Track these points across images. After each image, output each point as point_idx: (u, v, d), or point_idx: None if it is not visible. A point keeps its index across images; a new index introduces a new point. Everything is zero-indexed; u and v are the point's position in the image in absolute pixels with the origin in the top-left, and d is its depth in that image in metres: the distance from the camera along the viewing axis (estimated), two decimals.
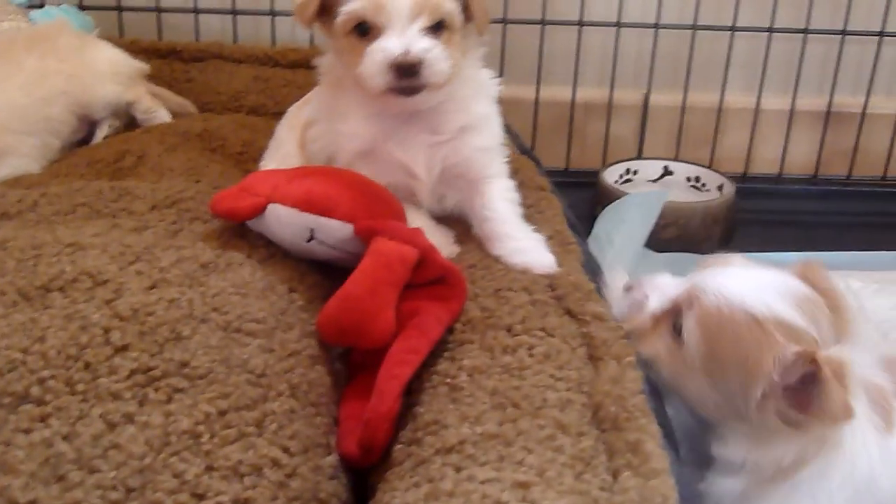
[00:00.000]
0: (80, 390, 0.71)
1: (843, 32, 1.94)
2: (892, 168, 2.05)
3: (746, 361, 0.82)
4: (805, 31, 1.94)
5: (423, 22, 0.99)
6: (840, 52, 1.96)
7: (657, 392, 0.93)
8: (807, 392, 0.79)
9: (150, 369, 0.74)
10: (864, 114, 2.01)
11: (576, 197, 1.14)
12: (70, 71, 1.45)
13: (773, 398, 0.81)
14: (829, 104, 2.02)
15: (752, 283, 0.86)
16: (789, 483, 0.84)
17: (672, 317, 0.91)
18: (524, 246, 1.05)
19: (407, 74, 0.98)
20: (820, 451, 0.83)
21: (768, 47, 1.96)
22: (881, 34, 1.94)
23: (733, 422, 0.87)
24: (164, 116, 1.58)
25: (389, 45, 0.98)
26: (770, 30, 1.94)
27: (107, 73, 1.51)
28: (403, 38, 0.98)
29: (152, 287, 0.84)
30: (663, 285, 0.95)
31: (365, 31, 0.99)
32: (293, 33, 1.97)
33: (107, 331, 0.76)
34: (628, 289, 1.00)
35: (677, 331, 0.89)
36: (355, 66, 1.00)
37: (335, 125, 1.10)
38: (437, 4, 0.99)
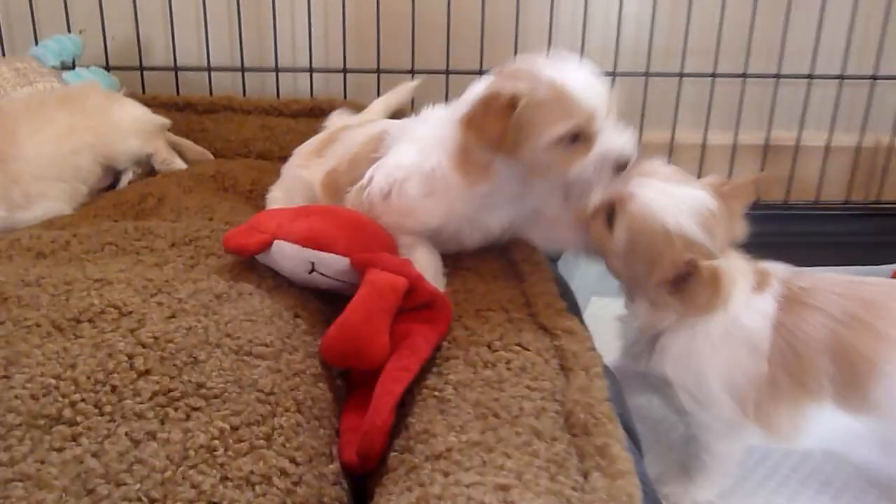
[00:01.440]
0: (107, 411, 0.70)
1: (778, 76, 1.96)
2: (823, 193, 2.06)
3: (652, 258, 0.97)
4: (744, 75, 1.95)
5: (614, 117, 0.99)
6: (775, 93, 1.97)
7: (621, 399, 0.92)
8: (687, 285, 0.95)
9: (170, 391, 0.73)
10: (797, 146, 2.02)
11: None
12: (97, 127, 1.46)
13: (663, 286, 0.96)
14: (767, 138, 2.03)
15: (670, 200, 0.97)
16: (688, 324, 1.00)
17: (607, 211, 1.01)
18: None
19: (622, 167, 0.99)
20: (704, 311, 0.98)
21: (712, 90, 1.97)
22: (810, 76, 1.95)
23: (638, 293, 1.03)
24: (179, 165, 1.57)
25: (618, 145, 0.98)
26: (714, 75, 1.95)
27: (130, 129, 1.51)
28: (621, 136, 0.99)
29: (172, 316, 0.84)
30: (610, 187, 1.02)
31: (575, 139, 0.97)
32: (295, 87, 1.98)
33: (131, 357, 0.76)
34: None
35: (610, 222, 1.01)
36: (565, 170, 0.99)
37: (427, 198, 1.06)
38: (614, 101, 1.00)
